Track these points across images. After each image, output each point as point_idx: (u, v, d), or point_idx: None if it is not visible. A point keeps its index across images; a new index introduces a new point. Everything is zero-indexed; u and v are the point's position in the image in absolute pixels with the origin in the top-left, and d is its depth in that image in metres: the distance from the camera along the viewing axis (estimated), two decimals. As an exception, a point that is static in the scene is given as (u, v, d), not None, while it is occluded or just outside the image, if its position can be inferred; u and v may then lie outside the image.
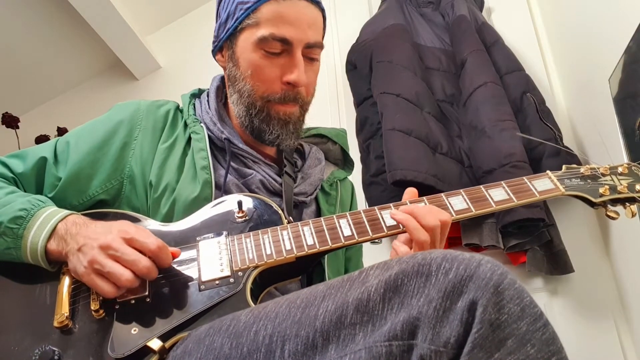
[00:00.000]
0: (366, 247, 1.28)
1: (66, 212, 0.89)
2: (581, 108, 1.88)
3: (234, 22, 1.02)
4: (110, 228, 0.83)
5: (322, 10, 1.06)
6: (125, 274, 0.78)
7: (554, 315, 1.70)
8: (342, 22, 2.47)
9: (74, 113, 2.70)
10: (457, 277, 0.57)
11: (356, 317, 0.61)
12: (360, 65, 2.09)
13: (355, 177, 1.85)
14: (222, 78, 1.18)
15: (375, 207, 0.94)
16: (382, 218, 0.92)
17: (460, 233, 1.74)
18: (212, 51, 1.12)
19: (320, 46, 1.05)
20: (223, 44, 1.08)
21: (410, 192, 0.98)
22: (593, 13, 1.67)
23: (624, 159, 1.43)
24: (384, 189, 1.81)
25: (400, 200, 0.97)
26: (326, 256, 1.07)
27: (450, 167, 1.76)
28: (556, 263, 1.66)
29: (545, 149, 1.73)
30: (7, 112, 2.50)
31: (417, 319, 0.57)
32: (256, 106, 1.03)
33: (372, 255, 1.54)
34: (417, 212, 0.89)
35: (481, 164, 1.73)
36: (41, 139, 2.52)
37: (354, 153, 1.98)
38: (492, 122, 1.75)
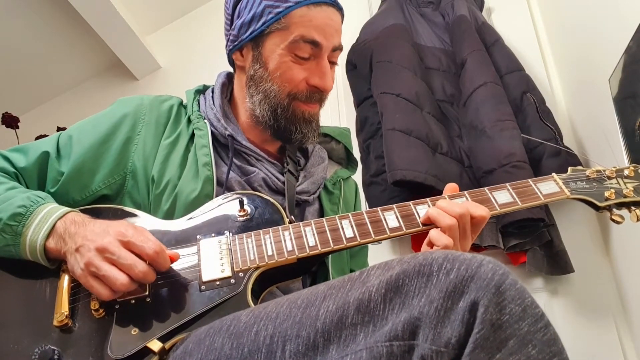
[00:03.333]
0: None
1: (65, 209, 0.88)
2: (581, 108, 1.88)
3: (262, 25, 1.02)
4: (108, 229, 0.82)
5: (343, 16, 1.08)
6: (120, 278, 0.78)
7: (554, 315, 1.70)
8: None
9: (74, 113, 2.68)
10: (458, 277, 0.58)
11: (357, 318, 0.61)
12: (360, 65, 2.09)
13: (356, 177, 1.85)
14: (228, 75, 1.17)
15: (378, 209, 0.93)
16: (385, 220, 0.92)
17: (460, 233, 1.74)
18: (230, 49, 1.11)
19: (341, 49, 1.08)
20: (244, 45, 1.08)
21: (451, 187, 0.99)
22: (593, 13, 1.67)
23: (624, 158, 1.43)
24: (384, 189, 1.81)
25: (401, 201, 0.96)
26: (330, 256, 1.06)
27: (450, 167, 1.76)
28: (556, 263, 1.66)
29: (545, 149, 1.73)
30: (7, 112, 2.50)
31: (418, 319, 0.57)
32: (283, 105, 1.04)
33: (373, 255, 1.54)
34: (444, 203, 0.91)
35: (481, 164, 1.73)
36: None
37: (355, 153, 1.99)
38: (492, 122, 1.75)
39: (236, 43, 1.08)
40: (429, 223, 0.92)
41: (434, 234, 0.89)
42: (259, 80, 1.05)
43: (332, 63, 1.08)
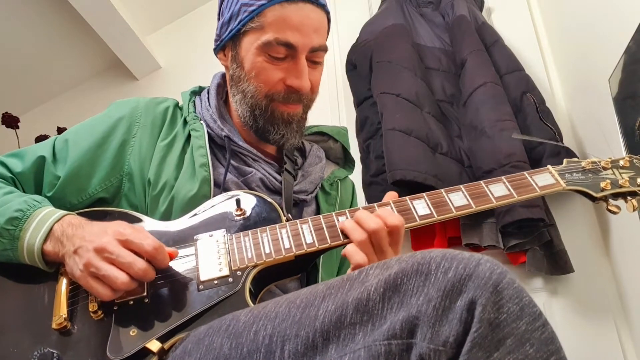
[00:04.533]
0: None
1: (62, 212, 0.88)
2: (581, 108, 1.88)
3: (238, 24, 1.02)
4: (106, 229, 0.82)
5: (327, 13, 1.05)
6: (120, 277, 0.77)
7: (554, 315, 1.69)
8: (342, 22, 2.47)
9: (74, 113, 2.70)
10: (456, 276, 0.58)
11: (356, 317, 0.61)
12: (360, 65, 2.09)
13: (356, 177, 1.85)
14: (223, 75, 1.17)
15: (375, 204, 0.94)
16: None
17: (460, 233, 1.74)
18: (214, 50, 1.11)
19: (324, 49, 1.04)
20: (225, 44, 1.07)
21: (390, 195, 0.98)
22: (593, 13, 1.67)
23: (624, 158, 1.43)
24: (384, 189, 1.80)
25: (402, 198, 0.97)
26: (321, 257, 1.06)
27: (450, 167, 1.76)
28: (556, 263, 1.66)
29: (545, 149, 1.73)
30: (7, 112, 2.50)
31: (417, 317, 0.57)
32: (261, 106, 1.03)
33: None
34: (360, 216, 0.89)
35: (481, 164, 1.73)
36: (41, 139, 2.51)
37: (354, 153, 1.99)
38: (492, 122, 1.75)
39: (219, 43, 1.09)
40: (425, 217, 0.92)
41: (349, 248, 0.87)
42: (237, 80, 1.05)
43: (315, 63, 1.05)
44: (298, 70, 1.01)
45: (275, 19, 0.98)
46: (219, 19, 1.09)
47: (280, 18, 0.98)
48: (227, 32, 1.05)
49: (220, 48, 1.09)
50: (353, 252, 0.86)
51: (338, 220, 0.92)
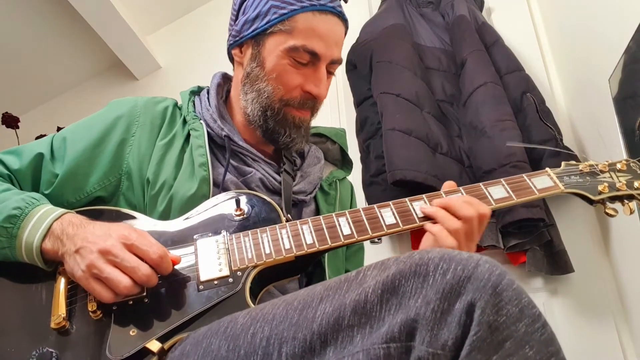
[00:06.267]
0: (366, 246, 1.28)
1: (61, 210, 0.87)
2: (581, 108, 1.88)
3: (265, 24, 1.03)
4: (110, 232, 0.81)
5: (347, 28, 1.09)
6: (123, 281, 0.77)
7: (554, 315, 1.69)
8: (342, 22, 2.47)
9: (74, 113, 2.68)
10: (455, 277, 0.57)
11: (354, 319, 0.61)
12: (360, 65, 2.08)
13: (356, 177, 1.85)
14: (223, 75, 1.18)
15: (375, 206, 0.94)
16: (382, 216, 0.92)
17: (460, 233, 1.74)
18: (230, 44, 1.11)
19: (340, 62, 1.09)
20: (245, 41, 1.08)
21: (448, 184, 0.98)
22: (593, 13, 1.66)
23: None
24: (384, 188, 1.81)
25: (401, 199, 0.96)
26: (326, 256, 1.06)
27: (450, 167, 1.76)
28: (556, 263, 1.66)
29: (545, 149, 1.72)
30: (7, 112, 2.50)
31: (415, 320, 0.57)
32: (274, 108, 1.04)
33: (373, 254, 1.54)
34: (453, 203, 0.89)
35: (481, 164, 1.73)
36: (41, 139, 2.51)
37: (354, 153, 1.99)
38: (492, 122, 1.75)
39: (237, 39, 1.09)
40: (426, 217, 0.91)
41: (438, 231, 0.87)
42: (254, 79, 1.06)
43: (329, 73, 1.08)
44: (318, 78, 1.04)
45: (306, 26, 1.01)
46: (237, 16, 1.09)
47: (310, 26, 1.01)
48: (250, 30, 1.05)
49: (238, 44, 1.10)
50: (444, 237, 0.86)
51: (338, 220, 0.92)
